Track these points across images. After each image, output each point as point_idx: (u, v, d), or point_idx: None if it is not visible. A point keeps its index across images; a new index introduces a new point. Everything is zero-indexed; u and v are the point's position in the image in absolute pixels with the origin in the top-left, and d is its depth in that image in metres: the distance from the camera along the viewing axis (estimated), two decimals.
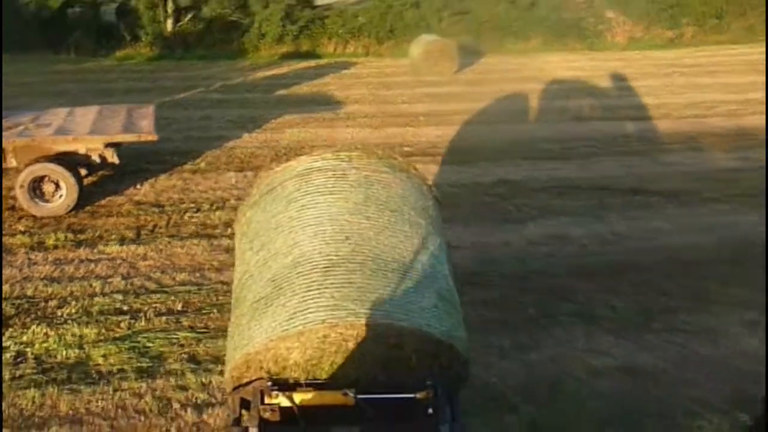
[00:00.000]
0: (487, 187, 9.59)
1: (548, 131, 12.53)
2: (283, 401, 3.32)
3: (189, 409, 4.95)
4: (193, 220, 8.36)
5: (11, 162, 8.49)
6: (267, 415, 3.28)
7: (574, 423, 4.80)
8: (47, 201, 8.36)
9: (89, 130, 8.74)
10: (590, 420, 4.78)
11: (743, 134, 12.32)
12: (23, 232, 7.94)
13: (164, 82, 16.69)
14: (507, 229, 8.19)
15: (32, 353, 5.61)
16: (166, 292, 6.59)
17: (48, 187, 8.35)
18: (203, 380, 5.27)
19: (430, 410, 3.23)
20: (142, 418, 4.87)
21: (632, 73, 18.29)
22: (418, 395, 3.29)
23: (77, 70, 18.11)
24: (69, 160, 8.44)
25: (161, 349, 5.68)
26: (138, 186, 9.40)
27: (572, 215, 8.62)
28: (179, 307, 6.33)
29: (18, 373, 5.36)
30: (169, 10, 22.64)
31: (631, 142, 11.95)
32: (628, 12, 24.88)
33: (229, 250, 7.48)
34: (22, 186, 8.24)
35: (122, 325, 6.01)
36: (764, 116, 13.52)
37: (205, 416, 4.90)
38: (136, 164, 9.83)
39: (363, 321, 3.38)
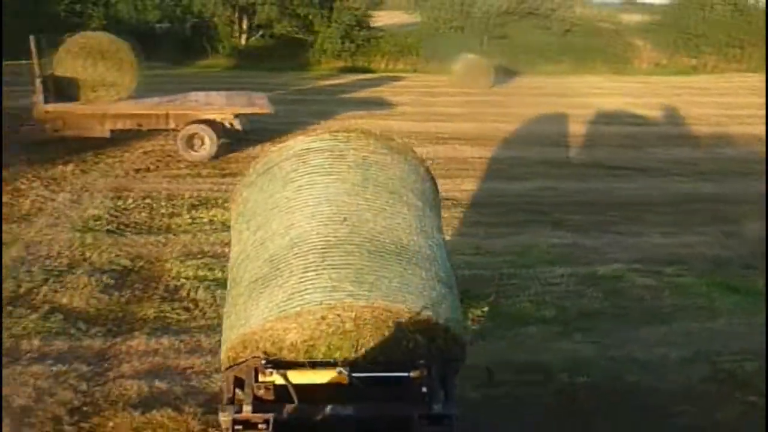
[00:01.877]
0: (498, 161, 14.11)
1: (555, 128, 17.01)
2: (277, 379, 3.51)
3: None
4: None
5: (172, 124, 13.28)
6: (261, 393, 3.48)
7: None
8: (196, 151, 13.09)
9: (225, 104, 13.53)
10: None
11: (717, 136, 16.56)
12: (185, 168, 12.69)
13: (246, 86, 21.52)
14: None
15: (219, 220, 10.20)
16: None
17: (197, 142, 13.08)
18: None
19: (424, 389, 3.47)
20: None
21: (642, 93, 22.68)
22: (412, 374, 3.50)
23: (173, 74, 23.24)
24: (211, 124, 13.18)
25: None
26: (252, 148, 14.12)
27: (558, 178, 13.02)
28: None
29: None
30: (244, 27, 28.00)
31: (616, 138, 16.36)
32: (654, 41, 29.33)
33: None
34: (181, 140, 13.00)
35: None
36: (744, 127, 17.80)
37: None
38: (246, 136, 14.54)
39: (361, 303, 3.54)
